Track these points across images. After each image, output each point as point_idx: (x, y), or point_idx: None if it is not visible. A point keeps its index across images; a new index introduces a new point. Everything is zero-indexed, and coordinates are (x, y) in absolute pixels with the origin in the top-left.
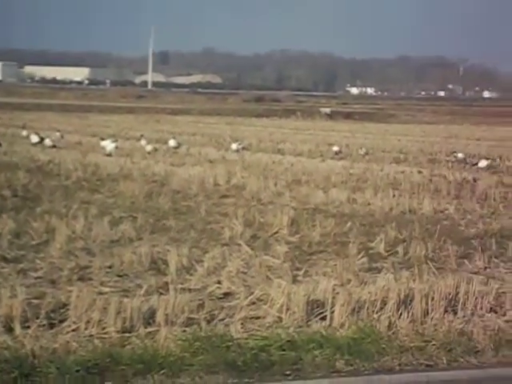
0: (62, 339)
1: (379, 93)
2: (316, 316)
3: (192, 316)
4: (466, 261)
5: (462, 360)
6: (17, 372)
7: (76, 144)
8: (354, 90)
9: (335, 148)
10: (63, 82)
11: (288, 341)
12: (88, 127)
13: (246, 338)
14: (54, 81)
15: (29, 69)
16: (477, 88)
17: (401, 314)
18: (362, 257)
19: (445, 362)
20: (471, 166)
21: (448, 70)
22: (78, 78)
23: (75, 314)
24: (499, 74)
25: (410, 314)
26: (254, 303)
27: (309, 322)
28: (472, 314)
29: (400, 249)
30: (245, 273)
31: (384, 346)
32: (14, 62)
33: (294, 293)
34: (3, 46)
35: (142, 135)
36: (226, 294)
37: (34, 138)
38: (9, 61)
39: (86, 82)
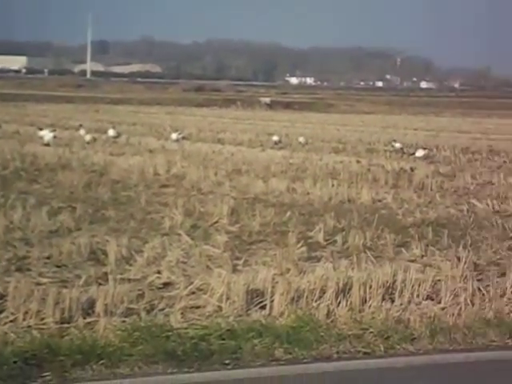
0: (0, 330)
1: (319, 83)
2: (256, 305)
3: (131, 306)
4: (403, 249)
5: (398, 347)
6: None
7: (13, 133)
8: (294, 80)
9: (275, 138)
10: (0, 71)
11: (228, 330)
12: (26, 117)
13: (186, 328)
14: None
15: None
16: (414, 79)
17: (339, 302)
18: (302, 246)
19: (382, 349)
20: (409, 156)
21: (386, 61)
22: (15, 67)
23: (13, 304)
24: (436, 64)
25: (349, 302)
26: (193, 293)
27: (248, 311)
28: (409, 302)
29: (339, 238)
30: (185, 262)
31: (322, 334)
32: None
33: (233, 282)
34: None
35: (80, 125)
36: (166, 284)
37: None
38: None
39: (24, 70)
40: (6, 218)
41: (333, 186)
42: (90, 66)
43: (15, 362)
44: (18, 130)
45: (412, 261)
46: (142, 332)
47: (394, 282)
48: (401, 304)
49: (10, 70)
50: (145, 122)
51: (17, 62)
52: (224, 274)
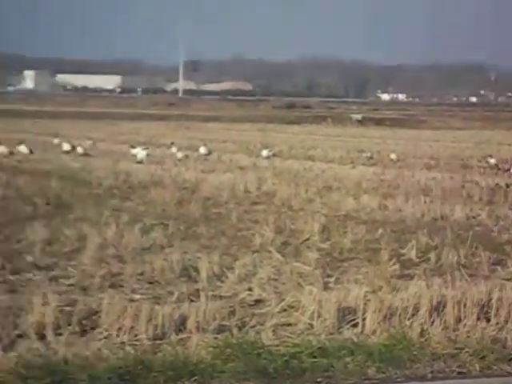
0: (94, 346)
1: (410, 99)
2: (347, 323)
3: (223, 323)
4: (498, 267)
5: (495, 367)
6: (49, 379)
7: (107, 152)
8: (386, 96)
9: (366, 154)
10: (95, 90)
11: (319, 348)
12: (119, 135)
13: (277, 345)
14: (86, 89)
15: (61, 77)
16: (509, 93)
17: (433, 320)
18: (394, 263)
19: (478, 369)
20: (504, 172)
21: (480, 76)
22: (109, 86)
23: (107, 321)
24: None
25: (443, 320)
26: (285, 310)
27: (340, 329)
28: (505, 321)
29: (432, 255)
30: (276, 280)
31: (416, 353)
32: (46, 70)
33: (325, 300)
34: (36, 55)
35: (172, 142)
36: (257, 301)
37: (66, 146)
38: (41, 69)
39: (118, 90)
40: (100, 235)
41: (425, 202)
42: (182, 84)
43: (109, 379)
44: (111, 148)
45: (508, 279)
46: (234, 349)
47: (490, 300)
48: (497, 323)
49: (104, 90)
50: (236, 140)
51: (111, 82)
52: (315, 291)
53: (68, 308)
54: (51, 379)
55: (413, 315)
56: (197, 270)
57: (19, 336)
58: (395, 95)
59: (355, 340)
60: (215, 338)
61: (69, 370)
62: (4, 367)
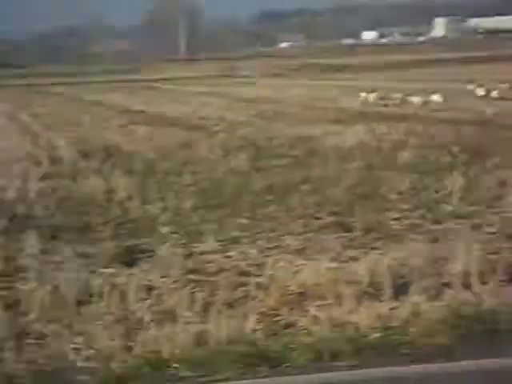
0: None
1: None
2: None
3: None
4: None
5: None
6: (479, 328)
7: None
8: None
9: None
10: (508, 31)
11: None
12: None
13: None
14: (498, 31)
15: (473, 21)
16: None
17: None
18: None
19: None
20: None
21: None
22: None
23: None
24: None
25: None
26: None
27: None
28: None
29: None
30: None
31: None
32: (458, 16)
33: None
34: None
35: None
36: None
37: (480, 91)
38: (453, 15)
39: None
40: None
41: None
42: None
43: None
44: None
45: None
46: None
47: None
48: None
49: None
50: None
51: None
52: None
53: (492, 256)
54: (482, 328)
55: None
56: None
57: (444, 285)
58: None
59: None
60: None
61: (498, 319)
62: (433, 316)
